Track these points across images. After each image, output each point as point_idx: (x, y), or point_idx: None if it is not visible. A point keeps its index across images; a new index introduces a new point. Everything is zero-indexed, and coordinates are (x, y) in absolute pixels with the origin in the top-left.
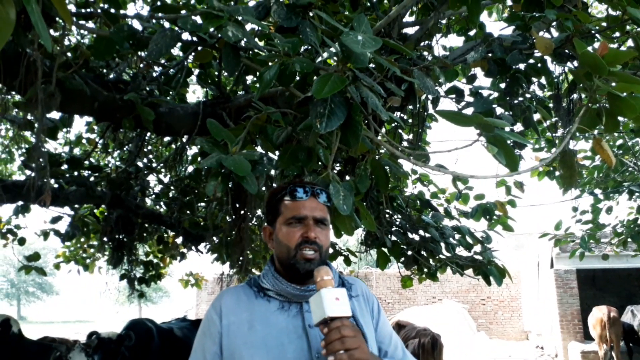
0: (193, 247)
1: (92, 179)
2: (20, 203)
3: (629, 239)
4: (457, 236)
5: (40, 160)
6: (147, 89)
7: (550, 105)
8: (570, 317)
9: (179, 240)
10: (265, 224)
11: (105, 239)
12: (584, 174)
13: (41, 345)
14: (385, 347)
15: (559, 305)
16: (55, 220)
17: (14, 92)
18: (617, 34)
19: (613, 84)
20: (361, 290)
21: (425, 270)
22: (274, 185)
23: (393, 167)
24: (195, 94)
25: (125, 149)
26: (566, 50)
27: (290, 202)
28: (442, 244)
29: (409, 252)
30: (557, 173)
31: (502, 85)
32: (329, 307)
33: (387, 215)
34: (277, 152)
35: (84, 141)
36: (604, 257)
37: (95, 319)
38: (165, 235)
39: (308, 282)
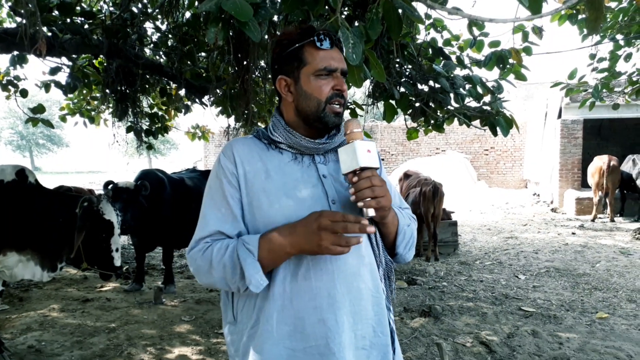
0: (197, 100)
1: (86, 26)
2: (15, 53)
3: None
4: (467, 86)
5: (29, 5)
6: None
7: None
8: (570, 166)
9: (182, 92)
10: (279, 74)
11: (107, 90)
12: (607, 17)
13: (64, 195)
14: None
15: (561, 155)
16: (54, 71)
17: None
18: None
19: None
20: None
21: (432, 121)
22: (277, 32)
23: (407, 10)
24: None
25: None
26: None
27: (317, 52)
28: (452, 95)
29: (417, 104)
30: (580, 17)
31: None
32: (362, 158)
33: (397, 65)
34: None
35: None
36: (615, 107)
37: (107, 170)
38: (168, 87)
39: (321, 135)
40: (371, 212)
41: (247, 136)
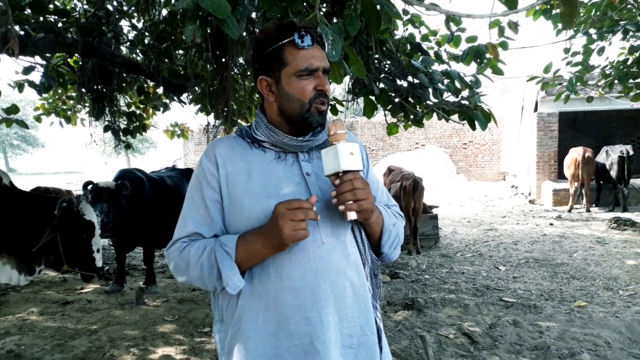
0: (175, 98)
1: (60, 24)
2: None
3: (616, 81)
4: (446, 81)
5: (0, 3)
6: None
7: None
8: (547, 159)
9: (160, 90)
10: (261, 75)
11: (83, 90)
12: (581, 12)
13: (41, 197)
14: (374, 193)
15: (538, 147)
16: (28, 70)
17: None
18: None
19: None
20: None
21: (412, 117)
22: (256, 30)
23: (385, 6)
24: None
25: None
26: None
27: (298, 51)
28: (430, 90)
29: (397, 99)
30: (554, 11)
31: None
32: (344, 161)
33: (376, 61)
34: None
35: None
36: (589, 100)
37: (85, 170)
38: (145, 85)
39: (304, 133)
40: (353, 215)
41: (230, 135)
